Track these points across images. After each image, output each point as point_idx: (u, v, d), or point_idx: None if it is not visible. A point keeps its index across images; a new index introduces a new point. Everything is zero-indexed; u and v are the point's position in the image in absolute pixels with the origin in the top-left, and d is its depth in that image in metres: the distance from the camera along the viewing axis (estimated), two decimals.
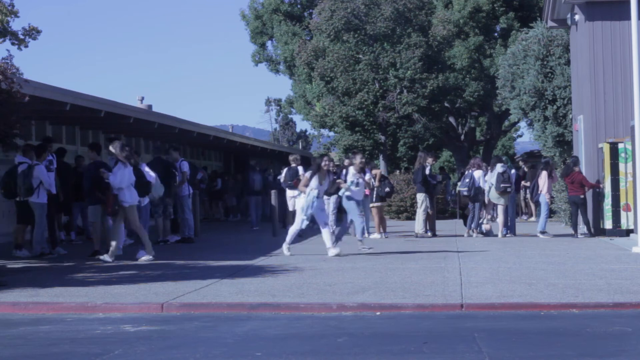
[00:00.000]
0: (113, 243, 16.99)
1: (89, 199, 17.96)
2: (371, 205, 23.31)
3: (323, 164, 18.07)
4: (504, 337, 9.35)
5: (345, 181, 18.71)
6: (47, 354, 8.83)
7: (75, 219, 22.20)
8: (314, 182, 17.88)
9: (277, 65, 52.51)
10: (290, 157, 25.60)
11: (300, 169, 25.19)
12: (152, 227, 23.67)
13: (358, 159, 19.23)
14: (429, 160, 23.79)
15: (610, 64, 22.88)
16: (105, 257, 16.85)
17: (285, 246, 18.08)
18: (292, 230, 18.20)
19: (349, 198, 18.64)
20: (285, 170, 25.44)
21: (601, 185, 22.31)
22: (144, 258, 17.04)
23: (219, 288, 12.83)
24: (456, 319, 10.57)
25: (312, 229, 25.94)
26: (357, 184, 18.74)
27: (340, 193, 18.67)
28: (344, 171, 19.47)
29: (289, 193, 25.08)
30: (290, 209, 25.24)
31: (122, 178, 16.81)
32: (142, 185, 17.39)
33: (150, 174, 18.43)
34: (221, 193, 36.48)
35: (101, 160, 18.44)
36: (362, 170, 19.29)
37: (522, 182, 28.89)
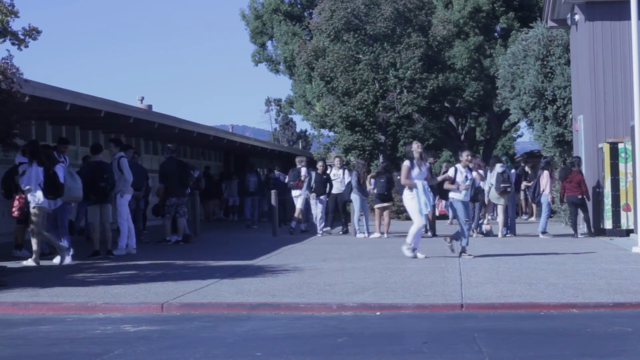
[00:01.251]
0: (35, 246, 16.29)
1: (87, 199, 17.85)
2: (376, 206, 23.41)
3: (415, 146, 16.79)
4: (504, 337, 9.35)
5: (454, 181, 17.15)
6: (47, 354, 8.83)
7: (80, 219, 22.17)
8: (415, 170, 16.72)
9: (277, 65, 52.48)
10: (297, 159, 26.01)
11: (303, 170, 25.30)
12: (157, 226, 23.73)
13: (465, 155, 17.58)
14: (430, 159, 23.81)
15: (610, 64, 22.89)
16: (29, 262, 16.28)
17: (408, 250, 16.91)
18: (414, 230, 16.87)
19: (456, 200, 17.17)
20: (290, 171, 25.80)
21: (589, 194, 22.44)
22: (34, 255, 16.36)
23: (219, 288, 12.83)
24: (456, 319, 10.56)
25: (309, 227, 26.03)
26: (467, 182, 17.26)
27: (462, 197, 17.07)
28: (453, 169, 17.47)
29: (294, 192, 25.37)
30: (297, 206, 25.40)
31: (28, 179, 16.27)
32: (54, 186, 16.42)
33: (61, 176, 16.83)
34: (218, 193, 36.39)
35: (100, 160, 18.36)
36: (468, 168, 17.60)
37: (524, 183, 28.92)
